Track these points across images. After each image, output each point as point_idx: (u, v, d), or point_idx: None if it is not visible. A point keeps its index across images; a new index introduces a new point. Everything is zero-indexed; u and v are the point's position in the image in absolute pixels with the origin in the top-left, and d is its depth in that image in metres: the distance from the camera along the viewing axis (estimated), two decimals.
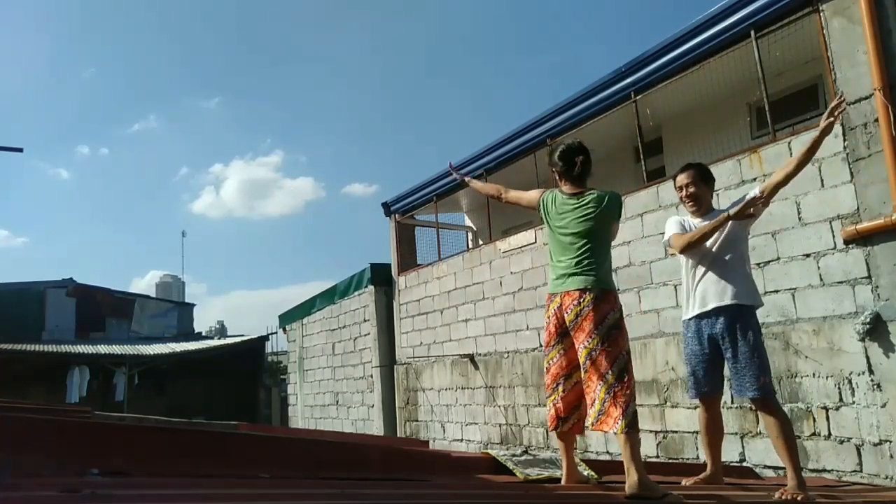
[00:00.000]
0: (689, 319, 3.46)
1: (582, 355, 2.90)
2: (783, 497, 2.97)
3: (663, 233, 3.71)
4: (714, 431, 3.48)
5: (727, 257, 3.36)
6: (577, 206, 3.07)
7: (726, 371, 3.40)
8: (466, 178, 4.00)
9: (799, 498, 2.95)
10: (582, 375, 2.94)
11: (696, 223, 3.53)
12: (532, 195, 3.32)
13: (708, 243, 3.39)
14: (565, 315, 2.96)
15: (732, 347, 3.26)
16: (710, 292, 3.34)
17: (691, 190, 3.56)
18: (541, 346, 7.95)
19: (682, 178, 3.61)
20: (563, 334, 3.01)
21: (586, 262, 2.96)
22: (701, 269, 3.41)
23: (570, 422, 3.02)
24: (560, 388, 3.03)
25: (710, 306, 3.33)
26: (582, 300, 2.90)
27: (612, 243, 3.17)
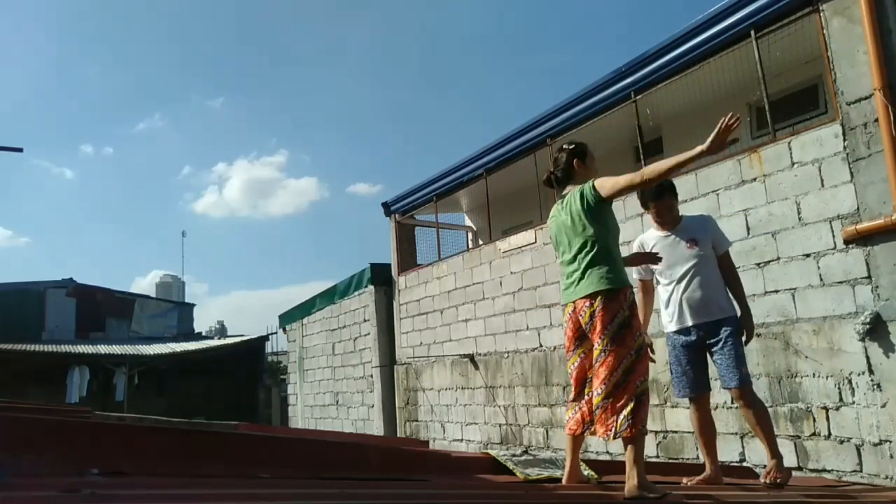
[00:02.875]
0: (674, 332, 3.62)
1: (594, 357, 2.92)
2: (767, 479, 3.30)
3: None
4: (709, 431, 3.60)
5: (707, 274, 3.53)
6: (562, 207, 3.11)
7: (712, 371, 3.58)
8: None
9: (779, 479, 3.29)
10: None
11: (664, 239, 3.64)
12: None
13: (690, 264, 3.54)
14: (580, 317, 2.97)
15: (719, 342, 3.47)
16: (693, 309, 3.52)
17: (668, 215, 3.68)
18: (541, 345, 7.96)
19: (658, 206, 3.69)
20: (581, 338, 3.02)
21: (588, 265, 2.94)
22: (684, 285, 3.55)
23: (595, 425, 3.01)
24: (586, 392, 3.03)
25: (701, 321, 3.51)
26: (593, 302, 2.90)
27: (611, 185, 2.90)
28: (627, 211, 6.63)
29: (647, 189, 3.56)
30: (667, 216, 3.68)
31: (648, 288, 3.81)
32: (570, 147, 3.22)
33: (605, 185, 2.93)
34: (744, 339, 3.49)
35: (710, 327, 3.49)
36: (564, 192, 3.15)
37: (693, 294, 3.51)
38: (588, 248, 2.95)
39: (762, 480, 3.30)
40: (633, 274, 3.78)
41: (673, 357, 3.64)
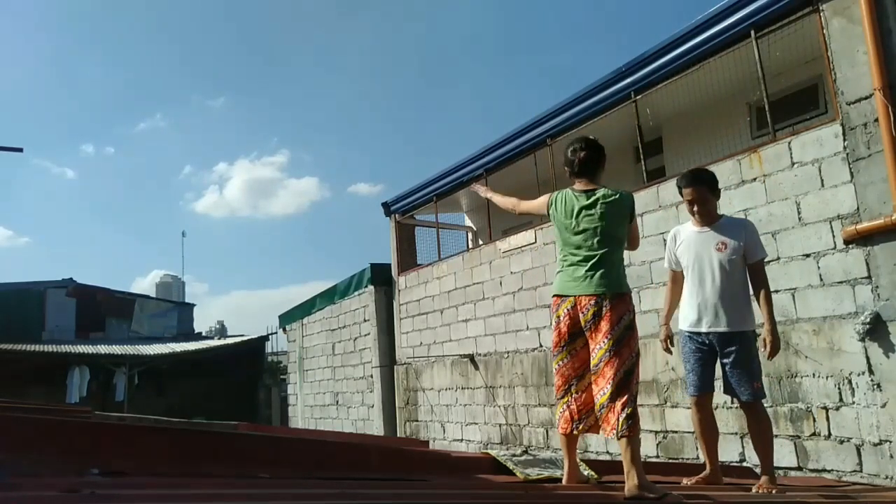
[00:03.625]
0: (687, 331, 3.57)
1: (596, 356, 2.90)
2: (759, 490, 3.26)
3: (664, 233, 3.81)
4: (710, 430, 3.58)
5: (730, 280, 3.44)
6: (586, 203, 3.05)
7: (727, 380, 3.51)
8: (489, 194, 3.80)
9: (773, 491, 3.24)
10: (592, 376, 2.95)
11: (697, 234, 3.58)
12: (541, 201, 3.29)
13: (715, 266, 3.46)
14: (580, 315, 2.95)
15: (730, 354, 3.40)
16: (708, 315, 3.44)
17: (704, 207, 3.57)
18: (541, 345, 7.95)
19: (691, 193, 3.58)
20: (574, 335, 3.00)
21: (601, 264, 2.95)
22: (705, 287, 3.48)
23: (585, 423, 3.00)
24: (573, 390, 3.01)
25: (712, 329, 3.44)
26: (600, 301, 2.90)
27: (637, 245, 3.22)
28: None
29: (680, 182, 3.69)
30: (700, 209, 3.55)
31: (678, 279, 3.69)
32: (600, 146, 3.20)
33: (636, 223, 3.19)
34: (766, 353, 3.38)
35: (722, 337, 3.40)
36: (588, 187, 3.10)
37: (711, 299, 3.43)
38: (611, 251, 2.98)
39: (753, 490, 3.29)
40: (665, 264, 3.79)
41: (684, 354, 3.61)
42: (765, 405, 3.57)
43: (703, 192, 3.55)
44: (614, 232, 3.02)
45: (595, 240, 2.99)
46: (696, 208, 3.57)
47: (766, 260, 5.38)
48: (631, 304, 2.96)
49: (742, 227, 3.56)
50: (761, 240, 3.60)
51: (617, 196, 3.04)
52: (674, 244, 3.69)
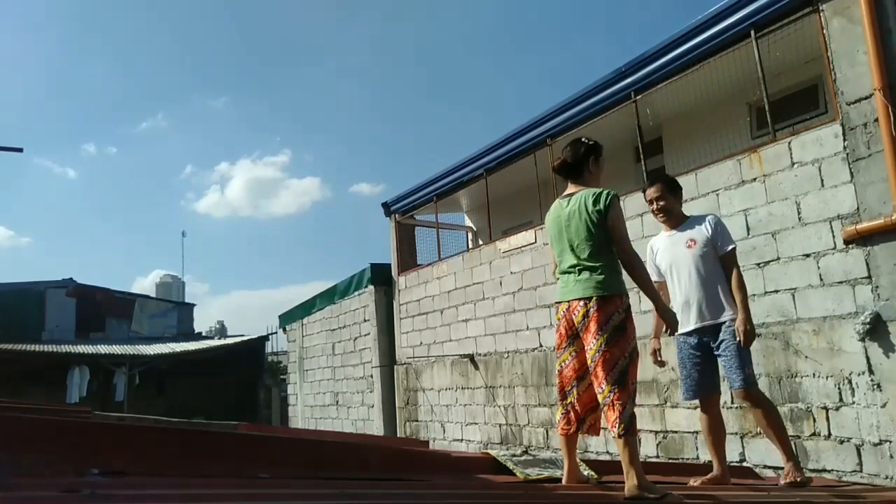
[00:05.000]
0: (680, 334, 3.60)
1: (588, 357, 2.91)
2: (787, 479, 3.27)
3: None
4: (716, 431, 3.57)
5: (706, 274, 3.52)
6: (566, 209, 3.08)
7: (721, 372, 3.56)
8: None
9: (798, 479, 3.25)
10: (590, 377, 2.96)
11: (668, 239, 3.69)
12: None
13: (688, 264, 3.57)
14: (573, 316, 2.96)
15: (721, 345, 3.47)
16: (694, 311, 3.53)
17: (661, 203, 3.69)
18: (541, 345, 7.96)
19: (651, 192, 3.73)
20: (573, 336, 3.01)
21: (587, 268, 2.94)
22: (685, 285, 3.58)
23: (586, 423, 3.02)
24: (575, 391, 3.02)
25: (703, 324, 3.51)
26: (587, 303, 2.90)
27: (626, 246, 2.95)
28: (627, 212, 6.63)
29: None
30: (661, 206, 3.69)
31: (662, 289, 3.72)
32: (590, 143, 3.19)
33: (617, 223, 2.95)
34: (740, 341, 3.40)
35: (712, 329, 3.48)
36: (571, 191, 3.12)
37: (693, 296, 3.52)
38: (589, 253, 2.96)
39: (781, 482, 3.29)
40: (648, 264, 3.83)
41: (679, 359, 3.65)
42: (774, 405, 3.58)
43: (662, 189, 3.69)
44: (594, 234, 2.95)
45: (577, 244, 2.98)
46: (657, 206, 3.68)
47: (766, 260, 5.42)
48: (622, 304, 2.91)
49: (707, 221, 3.65)
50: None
51: (589, 195, 2.99)
52: (652, 255, 3.79)
